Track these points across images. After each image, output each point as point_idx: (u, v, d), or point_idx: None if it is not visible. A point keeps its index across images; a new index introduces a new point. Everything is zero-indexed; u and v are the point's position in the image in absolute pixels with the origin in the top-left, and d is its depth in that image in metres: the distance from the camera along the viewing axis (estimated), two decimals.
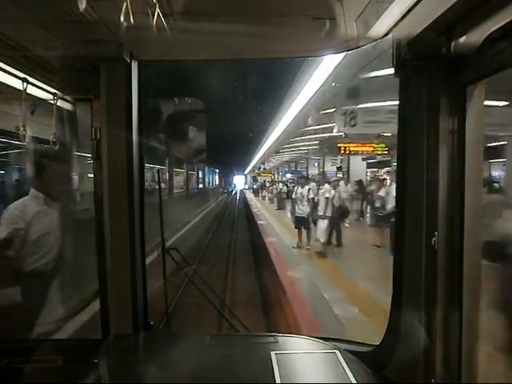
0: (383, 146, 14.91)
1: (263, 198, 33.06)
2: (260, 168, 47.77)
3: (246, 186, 67.89)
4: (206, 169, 40.06)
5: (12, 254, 2.79)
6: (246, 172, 66.52)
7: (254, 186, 47.92)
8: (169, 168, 22.69)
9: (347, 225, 12.11)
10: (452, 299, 1.33)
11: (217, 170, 56.81)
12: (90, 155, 1.97)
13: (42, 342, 2.30)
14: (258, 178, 50.17)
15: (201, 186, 38.35)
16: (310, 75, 7.87)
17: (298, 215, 10.50)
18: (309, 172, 28.04)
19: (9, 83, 1.98)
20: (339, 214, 10.29)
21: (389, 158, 18.06)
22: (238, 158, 49.91)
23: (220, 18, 1.62)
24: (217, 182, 59.53)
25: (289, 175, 36.87)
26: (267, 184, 37.54)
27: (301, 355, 1.68)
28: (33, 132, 2.18)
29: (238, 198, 45.53)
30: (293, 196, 11.84)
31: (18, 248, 2.82)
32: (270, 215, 19.38)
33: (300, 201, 10.37)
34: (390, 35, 1.52)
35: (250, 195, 43.74)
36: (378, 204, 9.89)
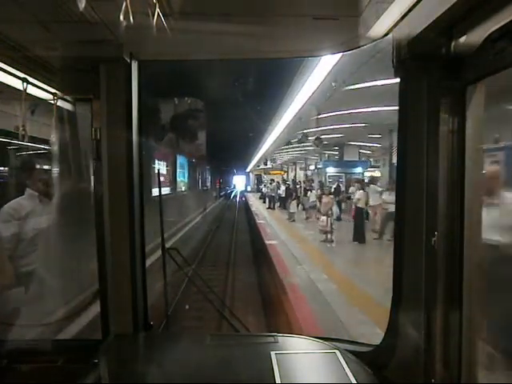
0: None
1: (290, 217, 16.03)
2: (275, 159, 32.37)
3: (249, 188, 53.08)
4: (184, 162, 22.29)
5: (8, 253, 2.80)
6: (248, 169, 52.83)
7: (264, 189, 29.83)
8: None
9: None
10: (452, 299, 1.33)
11: (207, 167, 38.38)
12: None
13: (42, 342, 2.29)
14: (265, 176, 37.28)
15: (165, 191, 17.34)
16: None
17: None
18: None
19: (9, 83, 1.98)
20: None
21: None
22: (237, 154, 38.61)
23: (220, 18, 1.62)
24: (208, 184, 40.73)
25: (332, 169, 20.35)
26: (302, 186, 21.88)
27: (301, 355, 1.68)
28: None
29: (235, 216, 24.09)
30: None
31: (14, 246, 2.84)
32: None
33: None
34: (390, 35, 1.52)
35: (256, 205, 26.36)
36: None
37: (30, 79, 1.89)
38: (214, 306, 2.36)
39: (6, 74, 1.94)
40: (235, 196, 46.56)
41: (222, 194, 47.84)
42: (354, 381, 1.43)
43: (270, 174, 34.29)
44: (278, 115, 13.36)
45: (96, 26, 1.59)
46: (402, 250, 1.52)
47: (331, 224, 11.06)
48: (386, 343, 1.62)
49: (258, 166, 43.20)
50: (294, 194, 19.15)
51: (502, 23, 1.02)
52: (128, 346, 1.88)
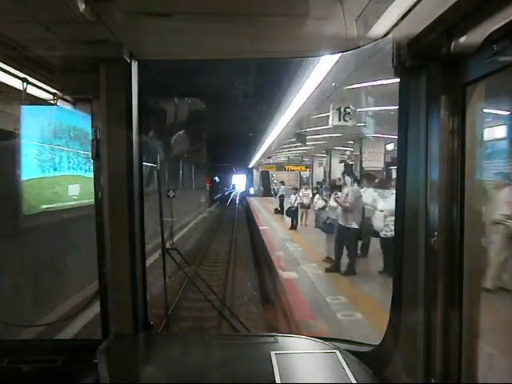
0: None
1: None
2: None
3: (252, 191, 39.89)
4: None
5: None
6: (251, 165, 38.93)
7: (293, 198, 14.25)
8: None
9: None
10: (452, 299, 1.33)
11: (189, 160, 22.15)
12: None
13: (42, 341, 2.29)
14: (273, 175, 29.94)
15: None
16: None
17: None
18: None
19: (9, 83, 1.99)
20: None
21: None
22: (236, 145, 29.26)
23: (220, 18, 1.62)
24: (191, 184, 24.19)
25: None
26: None
27: (301, 355, 1.68)
28: None
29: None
30: None
31: None
32: None
33: None
34: (390, 35, 1.52)
35: (280, 243, 10.79)
36: None
37: (30, 79, 1.89)
38: (214, 306, 2.36)
39: (6, 74, 1.95)
40: (234, 200, 35.79)
41: (216, 197, 36.27)
42: (353, 381, 1.43)
43: (285, 169, 25.81)
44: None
45: (96, 25, 1.59)
46: (401, 249, 1.53)
47: None
48: (386, 343, 1.63)
49: (269, 158, 30.78)
50: None
51: (502, 23, 1.02)
52: (128, 347, 1.88)
